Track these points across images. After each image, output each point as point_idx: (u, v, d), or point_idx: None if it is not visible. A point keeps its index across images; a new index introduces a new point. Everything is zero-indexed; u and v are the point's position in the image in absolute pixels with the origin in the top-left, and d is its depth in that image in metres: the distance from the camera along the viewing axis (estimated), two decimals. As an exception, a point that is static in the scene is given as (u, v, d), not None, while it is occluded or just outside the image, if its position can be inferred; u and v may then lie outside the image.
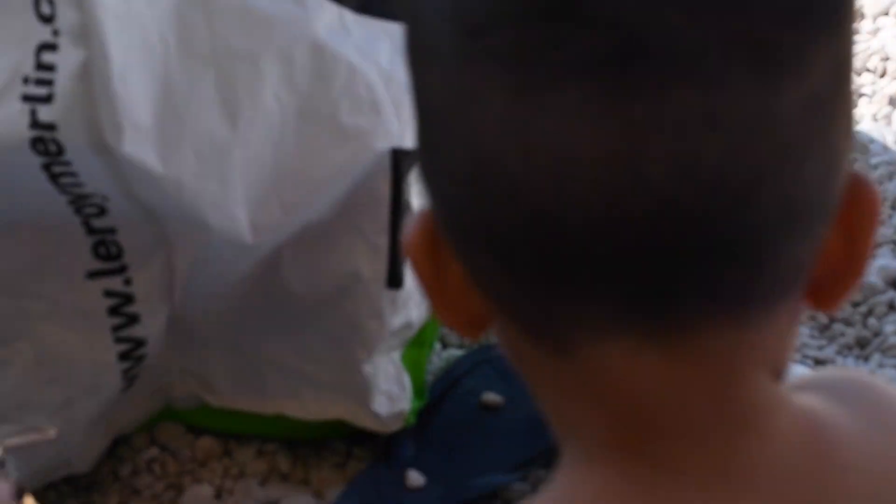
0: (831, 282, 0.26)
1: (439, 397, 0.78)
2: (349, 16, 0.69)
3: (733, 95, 0.23)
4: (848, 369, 0.54)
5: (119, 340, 0.72)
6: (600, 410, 0.28)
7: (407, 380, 0.77)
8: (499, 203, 0.27)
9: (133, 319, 0.73)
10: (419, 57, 0.28)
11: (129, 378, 0.74)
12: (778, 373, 0.29)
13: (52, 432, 0.63)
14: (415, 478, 0.71)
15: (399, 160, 0.67)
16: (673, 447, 0.29)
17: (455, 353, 0.82)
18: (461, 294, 0.30)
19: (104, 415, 0.74)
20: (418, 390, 0.79)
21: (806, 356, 0.91)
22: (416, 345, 0.80)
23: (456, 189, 0.29)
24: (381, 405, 0.73)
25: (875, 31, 1.21)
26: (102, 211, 0.69)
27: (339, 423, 0.76)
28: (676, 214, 0.24)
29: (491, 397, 0.77)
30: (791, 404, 0.30)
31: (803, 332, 0.92)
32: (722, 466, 0.29)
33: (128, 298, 0.72)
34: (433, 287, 0.30)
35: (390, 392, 0.74)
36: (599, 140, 0.25)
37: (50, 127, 0.64)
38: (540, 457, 0.69)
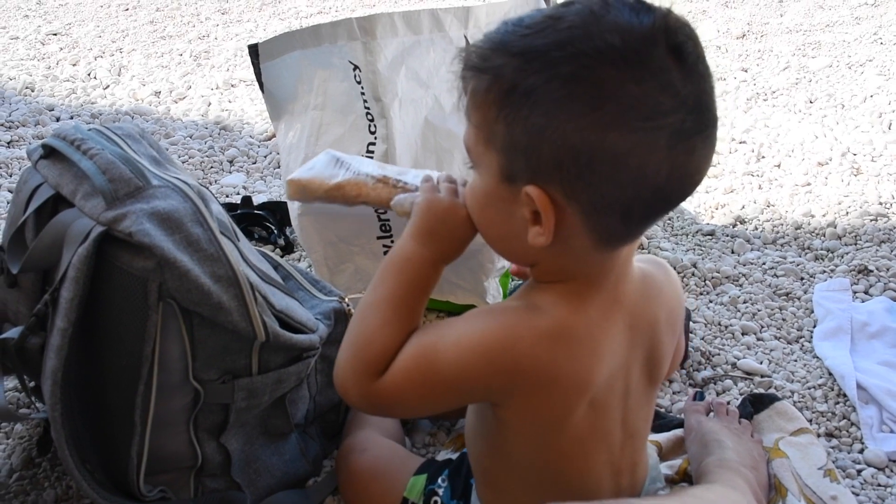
0: None
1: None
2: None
3: (716, 141, 0.55)
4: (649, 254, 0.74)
5: None
6: (590, 271, 0.60)
7: (500, 290, 1.11)
8: (643, 194, 0.53)
9: None
10: (604, 125, 0.51)
11: None
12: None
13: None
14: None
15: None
16: (601, 284, 0.61)
17: (519, 282, 1.01)
18: (570, 230, 0.55)
19: None
20: (505, 294, 1.13)
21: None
22: (504, 276, 1.13)
23: (616, 192, 0.53)
24: (490, 299, 1.08)
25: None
26: (385, 211, 1.05)
27: (472, 306, 1.05)
28: (689, 193, 0.56)
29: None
30: (634, 265, 0.65)
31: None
32: (614, 293, 0.63)
33: (391, 248, 1.26)
34: (550, 222, 0.54)
35: (494, 295, 1.08)
36: (690, 165, 0.55)
37: None
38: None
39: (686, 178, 0.55)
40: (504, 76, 0.53)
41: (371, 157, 1.10)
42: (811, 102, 2.19)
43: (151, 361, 0.77)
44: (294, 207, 1.21)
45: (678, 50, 0.52)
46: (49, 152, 0.79)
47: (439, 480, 0.77)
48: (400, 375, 0.62)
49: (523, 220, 0.56)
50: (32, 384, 0.88)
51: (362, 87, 1.13)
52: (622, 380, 0.63)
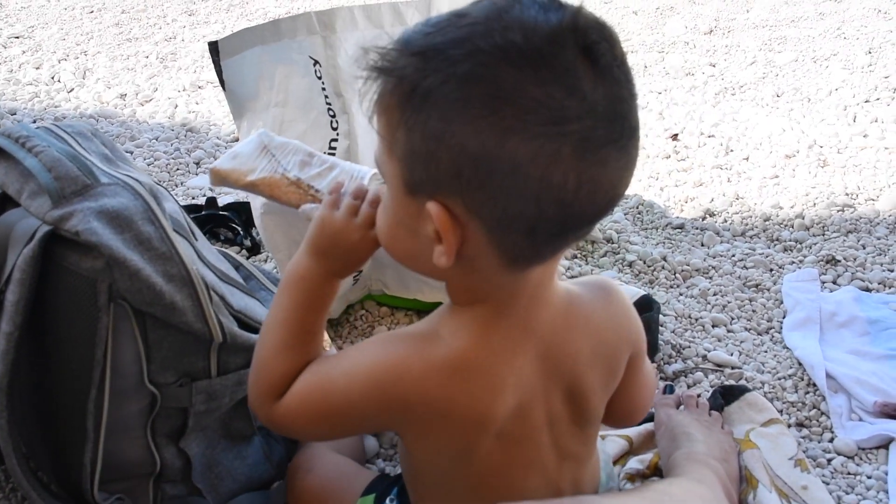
0: None
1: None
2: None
3: (635, 155, 0.50)
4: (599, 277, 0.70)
5: None
6: (500, 294, 0.55)
7: None
8: (548, 209, 0.48)
9: None
10: (502, 130, 0.46)
11: (355, 280, 1.12)
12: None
13: None
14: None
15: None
16: (509, 309, 0.55)
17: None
18: (475, 250, 0.51)
19: (345, 294, 1.13)
20: None
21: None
22: None
23: (518, 205, 0.47)
24: None
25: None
26: None
27: (440, 304, 1.18)
28: (604, 211, 0.51)
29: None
30: (559, 287, 0.58)
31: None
32: (525, 320, 0.56)
33: None
34: (450, 242, 0.50)
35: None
36: (603, 179, 0.48)
37: None
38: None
39: (599, 192, 0.49)
40: (406, 77, 0.49)
41: (333, 153, 1.08)
42: (778, 96, 2.20)
43: (103, 365, 0.74)
44: (257, 206, 1.19)
45: (589, 51, 0.48)
46: (-7, 151, 0.75)
47: (387, 501, 0.73)
48: (294, 402, 0.60)
49: (428, 238, 0.52)
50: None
51: (323, 83, 1.12)
52: (541, 410, 0.59)
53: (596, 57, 0.48)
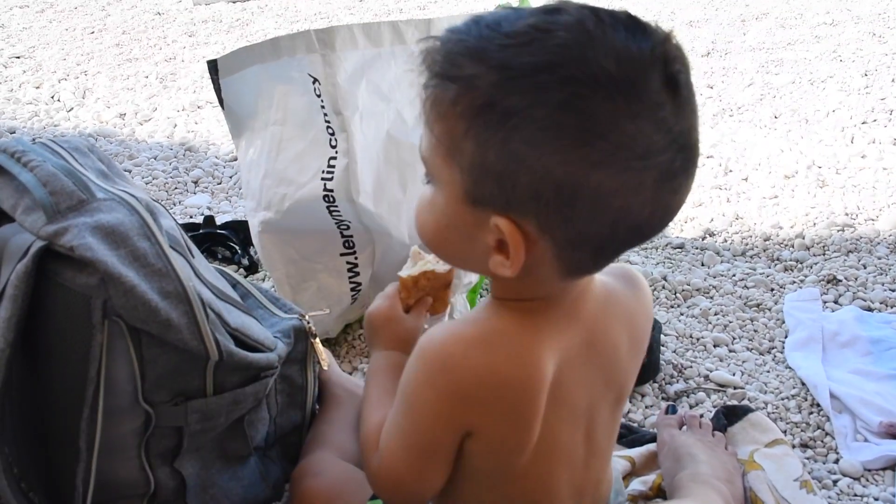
0: None
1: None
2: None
3: (695, 175, 0.52)
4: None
5: (351, 283, 1.14)
6: (548, 294, 0.57)
7: (468, 307, 1.16)
8: (620, 232, 0.50)
9: (357, 274, 1.13)
10: (592, 163, 0.47)
11: (353, 299, 1.14)
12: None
13: (327, 311, 1.05)
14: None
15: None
16: (557, 304, 0.57)
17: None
18: (537, 262, 0.51)
19: (343, 313, 1.16)
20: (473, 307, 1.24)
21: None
22: (472, 291, 1.18)
23: (594, 228, 0.49)
24: (457, 315, 1.09)
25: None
26: (348, 227, 1.10)
27: None
28: (662, 229, 0.53)
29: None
30: (597, 279, 0.61)
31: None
32: (571, 311, 0.58)
33: (355, 265, 1.13)
34: (519, 258, 0.51)
35: (461, 311, 1.12)
36: (673, 203, 0.52)
37: (330, 191, 1.06)
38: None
39: (668, 216, 0.52)
40: (478, 89, 0.47)
41: (332, 172, 1.08)
42: (776, 117, 2.21)
43: (97, 384, 0.73)
44: (255, 224, 1.18)
45: (673, 81, 0.48)
46: (-12, 166, 0.75)
47: None
48: (383, 444, 0.62)
49: (485, 246, 0.52)
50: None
51: (322, 101, 1.11)
52: (585, 397, 0.60)
53: (678, 88, 0.48)
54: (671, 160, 0.48)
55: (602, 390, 0.62)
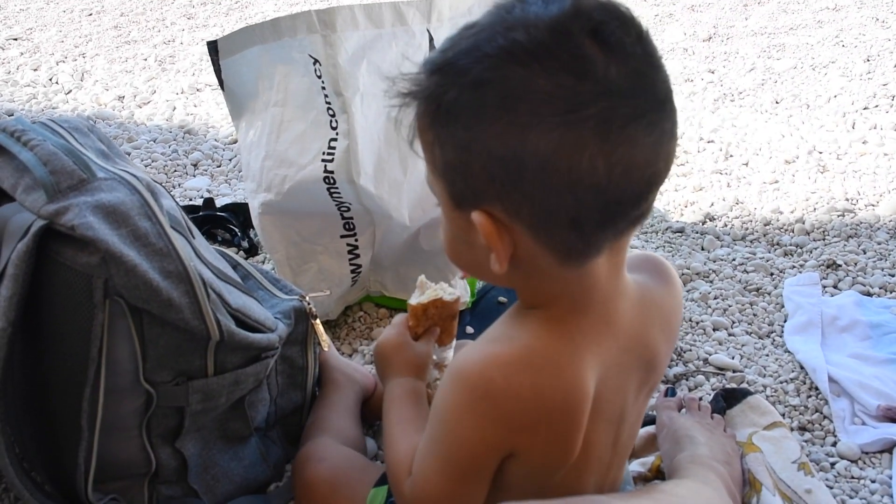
0: None
1: (480, 297, 1.20)
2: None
3: (670, 128, 0.49)
4: (645, 251, 0.73)
5: (351, 265, 1.13)
6: (570, 291, 0.54)
7: (468, 290, 1.16)
8: (584, 197, 0.47)
9: (357, 256, 1.12)
10: (521, 128, 0.46)
11: (354, 281, 1.14)
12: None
13: (327, 293, 1.06)
14: (469, 329, 1.12)
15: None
16: (587, 306, 0.55)
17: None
18: (527, 252, 0.50)
19: (343, 295, 1.15)
20: (473, 294, 1.18)
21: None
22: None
23: (554, 199, 0.47)
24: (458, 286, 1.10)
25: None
26: (348, 209, 1.09)
27: None
28: (647, 190, 0.49)
29: (501, 298, 1.21)
30: (628, 279, 0.58)
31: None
32: (605, 315, 0.57)
33: (356, 247, 1.12)
34: (499, 249, 0.51)
35: (462, 294, 1.06)
36: (636, 157, 0.47)
37: (331, 172, 1.04)
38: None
39: (634, 171, 0.48)
40: (430, 96, 0.51)
41: (333, 153, 1.06)
42: (777, 103, 2.20)
43: (98, 363, 0.73)
44: (255, 206, 1.18)
45: (596, 32, 0.47)
46: (-12, 145, 0.74)
47: None
48: (416, 466, 0.61)
49: (483, 248, 0.53)
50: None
51: (323, 82, 1.11)
52: (620, 403, 0.60)
53: (604, 36, 0.47)
54: (609, 108, 0.46)
55: (635, 393, 0.62)
